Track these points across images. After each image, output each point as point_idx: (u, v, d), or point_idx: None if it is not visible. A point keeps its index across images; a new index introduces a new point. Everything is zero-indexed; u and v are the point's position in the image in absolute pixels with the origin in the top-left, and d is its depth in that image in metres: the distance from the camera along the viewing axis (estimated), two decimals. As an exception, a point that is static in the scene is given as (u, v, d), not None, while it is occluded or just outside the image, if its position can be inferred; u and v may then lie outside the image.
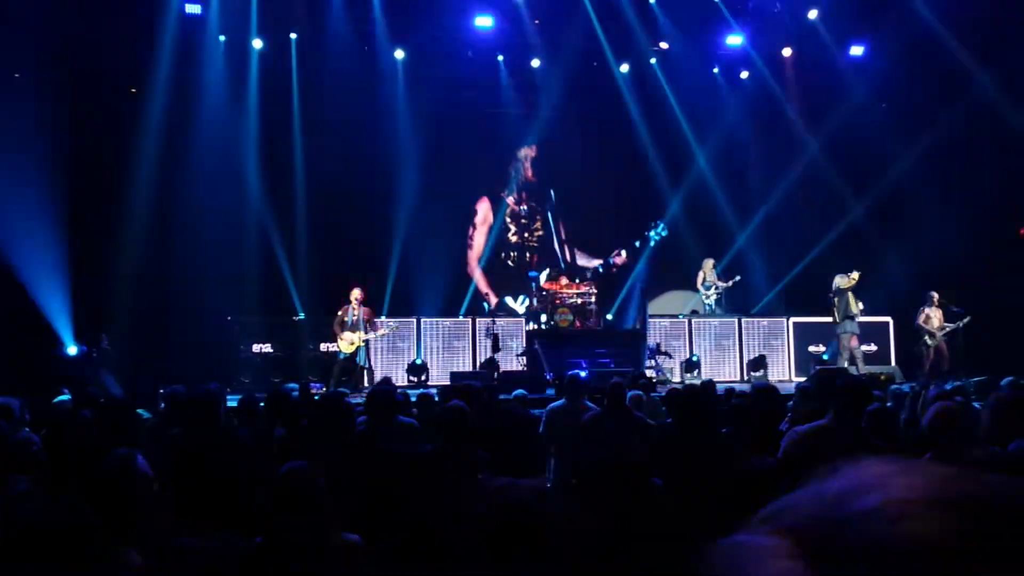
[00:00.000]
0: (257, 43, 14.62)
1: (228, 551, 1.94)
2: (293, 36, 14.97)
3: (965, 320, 12.58)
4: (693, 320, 14.38)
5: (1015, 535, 0.45)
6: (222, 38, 14.36)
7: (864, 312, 13.07)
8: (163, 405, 6.40)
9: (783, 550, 0.49)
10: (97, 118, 12.46)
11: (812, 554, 0.48)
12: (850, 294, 12.72)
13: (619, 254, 14.86)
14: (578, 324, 14.94)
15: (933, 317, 12.90)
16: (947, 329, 12.76)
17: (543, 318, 14.32)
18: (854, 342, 12.70)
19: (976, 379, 10.65)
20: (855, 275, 12.71)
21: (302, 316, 14.42)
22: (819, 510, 0.50)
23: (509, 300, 16.38)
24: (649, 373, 11.88)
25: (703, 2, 15.22)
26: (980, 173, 13.35)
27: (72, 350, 11.92)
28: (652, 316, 14.09)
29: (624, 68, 16.18)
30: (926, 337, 12.90)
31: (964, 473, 0.50)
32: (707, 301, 14.69)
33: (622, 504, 2.53)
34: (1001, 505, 0.46)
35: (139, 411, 5.99)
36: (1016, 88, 12.82)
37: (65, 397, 7.17)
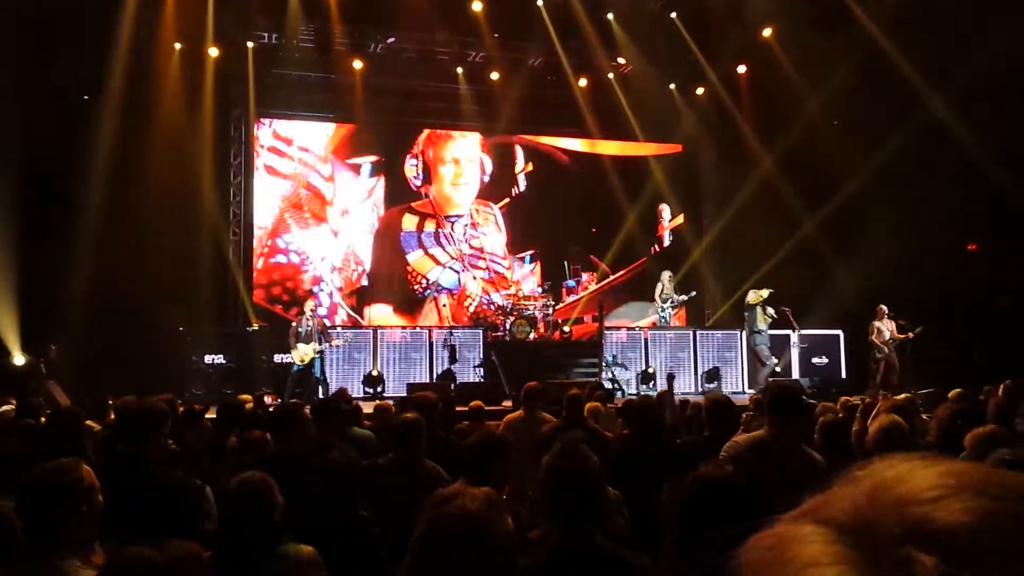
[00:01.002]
0: (213, 51, 14.44)
1: (178, 562, 1.90)
2: (250, 44, 14.84)
3: (917, 330, 12.85)
4: (650, 332, 14.50)
5: None
6: (178, 45, 14.17)
7: (786, 325, 13.67)
8: (113, 416, 6.28)
9: (821, 536, 0.52)
10: (47, 125, 12.20)
11: (851, 540, 0.51)
12: (759, 309, 13.08)
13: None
14: (535, 335, 14.97)
15: (884, 330, 13.15)
16: (899, 340, 13.02)
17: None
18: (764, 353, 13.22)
19: (924, 391, 10.87)
20: (765, 292, 13.29)
21: (255, 327, 14.26)
22: (853, 501, 0.53)
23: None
24: (606, 384, 11.93)
25: (659, 17, 15.41)
26: (931, 189, 13.65)
27: (19, 359, 11.63)
28: (608, 327, 14.16)
29: (583, 83, 16.32)
30: (875, 351, 13.15)
31: (980, 466, 0.55)
32: (662, 314, 14.84)
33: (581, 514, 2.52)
34: (1012, 489, 0.51)
35: (88, 422, 5.87)
36: (966, 106, 13.14)
37: (8, 407, 6.99)
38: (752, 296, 13.30)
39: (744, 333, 13.56)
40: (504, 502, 1.87)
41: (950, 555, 0.48)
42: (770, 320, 13.28)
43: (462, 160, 16.68)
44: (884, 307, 13.25)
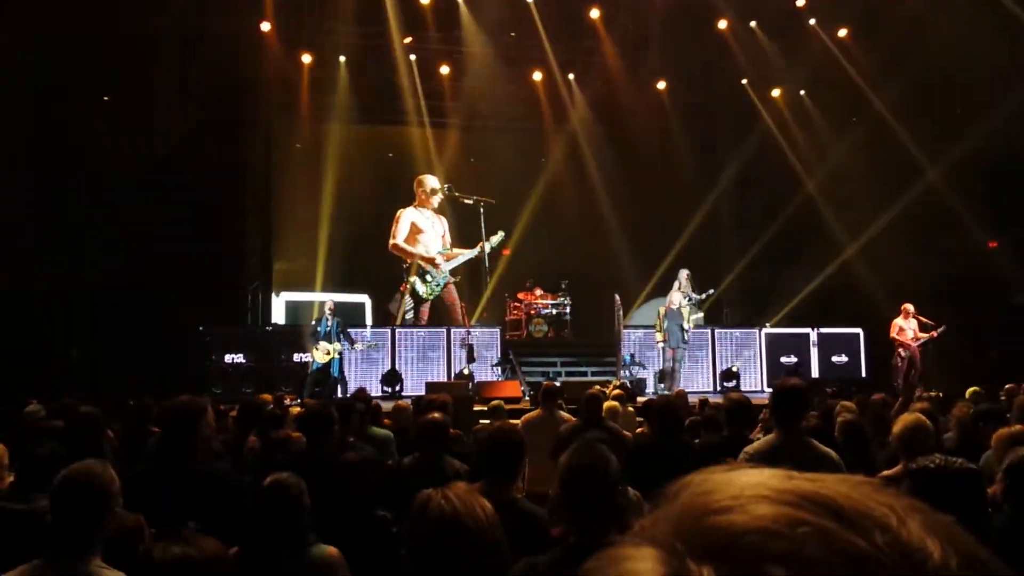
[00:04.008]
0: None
1: (206, 561, 1.93)
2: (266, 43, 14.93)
3: (940, 329, 12.74)
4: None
5: (832, 519, 0.50)
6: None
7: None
8: (134, 415, 6.35)
9: (647, 555, 0.52)
10: (68, 123, 12.31)
11: (663, 557, 0.51)
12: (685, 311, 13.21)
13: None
14: (552, 334, 14.98)
15: (907, 329, 13.04)
16: (922, 340, 12.91)
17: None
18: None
19: (938, 392, 10.80)
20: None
21: (274, 326, 14.37)
22: (672, 517, 0.54)
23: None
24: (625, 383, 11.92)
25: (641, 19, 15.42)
26: (951, 186, 13.55)
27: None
28: (627, 327, 14.14)
29: (571, 76, 16.34)
30: (899, 349, 13.04)
31: (792, 473, 0.55)
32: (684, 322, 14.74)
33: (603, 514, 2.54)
34: (820, 495, 0.51)
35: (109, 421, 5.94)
36: (984, 104, 13.05)
37: (33, 407, 7.07)
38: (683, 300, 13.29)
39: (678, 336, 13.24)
40: (482, 498, 1.90)
41: (730, 563, 0.48)
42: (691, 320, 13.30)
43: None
44: (910, 306, 13.09)
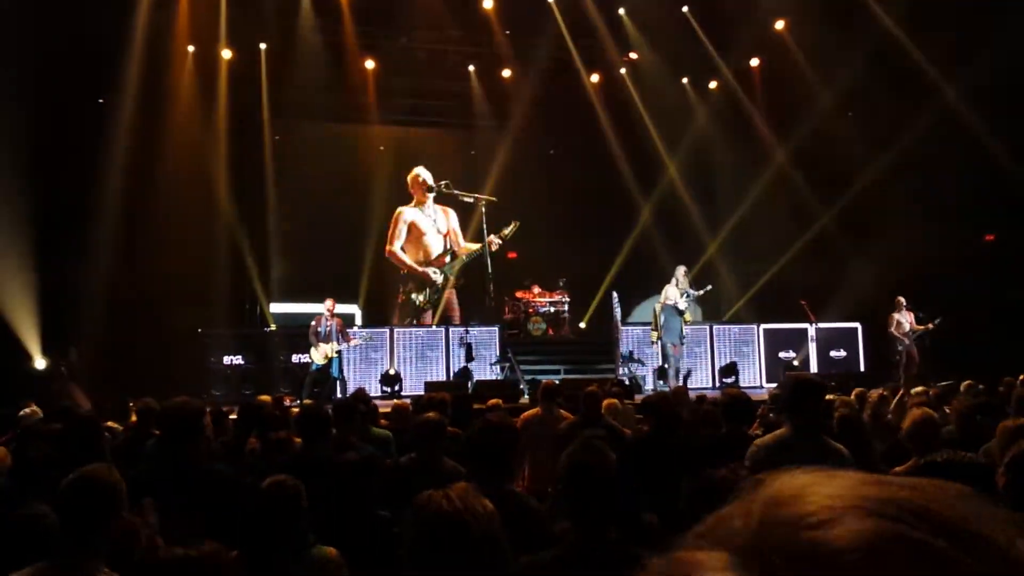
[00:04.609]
0: (226, 53, 14.54)
1: (206, 562, 1.94)
2: (263, 46, 14.92)
3: (936, 321, 12.79)
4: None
5: (936, 535, 0.47)
6: (191, 48, 14.27)
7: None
8: (135, 418, 6.34)
9: (720, 562, 0.49)
10: (64, 126, 12.30)
11: (746, 565, 0.49)
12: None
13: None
14: (551, 332, 14.98)
15: (903, 322, 13.09)
16: (918, 332, 12.95)
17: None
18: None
19: (943, 383, 10.81)
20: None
21: (273, 328, 14.36)
22: (747, 522, 0.51)
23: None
24: (623, 380, 11.94)
25: (671, 12, 15.38)
26: (947, 179, 13.57)
27: (40, 363, 11.75)
28: (625, 324, 14.14)
29: (594, 78, 16.32)
30: (896, 343, 13.09)
31: (883, 478, 0.52)
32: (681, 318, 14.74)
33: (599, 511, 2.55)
34: (920, 507, 0.48)
35: (109, 424, 5.94)
36: (981, 95, 13.06)
37: (29, 410, 7.07)
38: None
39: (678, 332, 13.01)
40: (483, 497, 1.91)
41: None
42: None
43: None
44: (902, 299, 13.18)
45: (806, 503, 0.49)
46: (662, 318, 13.04)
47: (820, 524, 0.48)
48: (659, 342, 13.14)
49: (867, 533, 0.47)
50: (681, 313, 12.94)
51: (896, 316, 13.13)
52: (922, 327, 12.96)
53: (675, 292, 13.08)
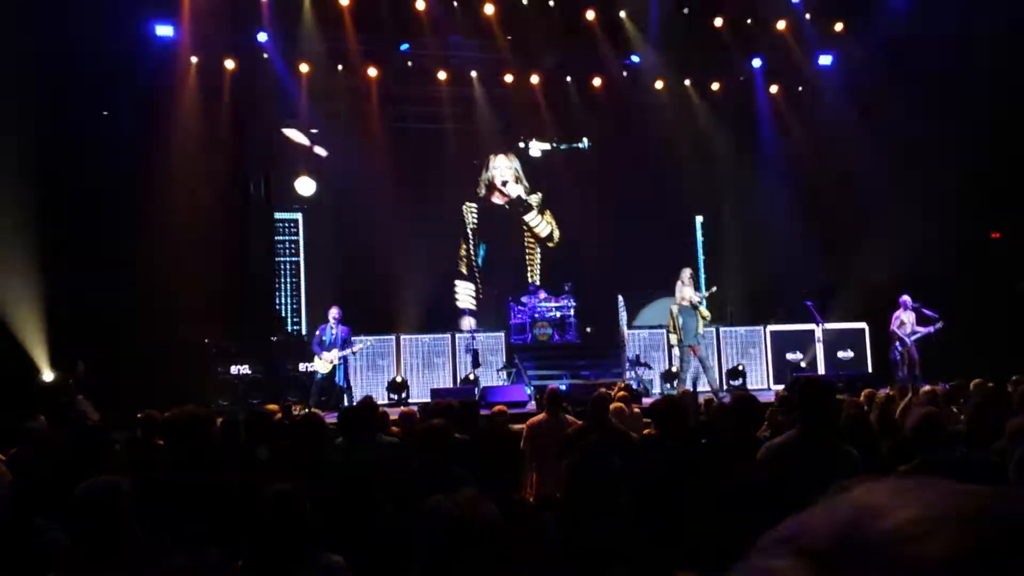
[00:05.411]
0: (230, 63, 14.58)
1: (211, 570, 1.94)
2: (265, 55, 14.94)
3: (938, 326, 12.66)
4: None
5: None
6: (194, 59, 14.30)
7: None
8: (142, 428, 6.35)
9: (802, 570, 0.48)
10: (69, 140, 12.34)
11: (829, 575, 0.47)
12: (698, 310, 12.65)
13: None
14: (557, 337, 14.96)
15: (907, 321, 12.99)
16: (919, 334, 12.79)
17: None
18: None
19: (952, 383, 10.75)
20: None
21: (279, 337, 14.37)
22: (834, 531, 0.49)
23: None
24: (630, 384, 11.90)
25: (672, 13, 15.38)
26: (952, 177, 13.51)
27: (48, 376, 11.77)
28: (632, 328, 14.13)
29: (596, 82, 16.33)
30: (896, 343, 12.97)
31: (973, 488, 0.50)
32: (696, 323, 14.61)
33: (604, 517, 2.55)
34: (1013, 517, 0.47)
35: (114, 433, 5.95)
36: (988, 92, 13.03)
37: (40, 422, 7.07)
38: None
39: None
40: (489, 502, 1.91)
41: None
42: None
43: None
44: (908, 297, 13.05)
45: (898, 515, 0.48)
46: (680, 320, 12.70)
47: (912, 539, 0.46)
48: (679, 345, 12.70)
49: (966, 550, 0.45)
50: (695, 308, 12.60)
51: (900, 315, 13.00)
52: (924, 329, 12.82)
53: (690, 291, 12.71)
